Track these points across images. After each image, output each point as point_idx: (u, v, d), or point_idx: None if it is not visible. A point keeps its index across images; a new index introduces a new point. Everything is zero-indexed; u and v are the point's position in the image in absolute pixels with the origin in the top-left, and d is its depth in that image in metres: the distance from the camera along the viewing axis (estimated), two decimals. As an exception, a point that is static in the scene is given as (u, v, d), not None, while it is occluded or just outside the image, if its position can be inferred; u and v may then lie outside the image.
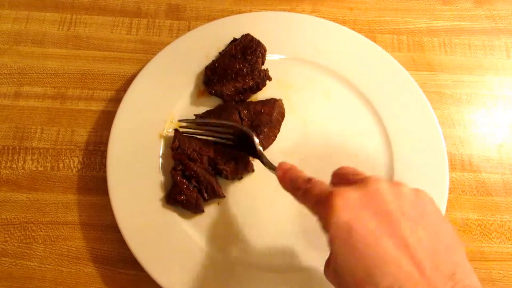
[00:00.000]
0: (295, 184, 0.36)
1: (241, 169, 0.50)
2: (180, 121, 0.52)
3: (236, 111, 0.52)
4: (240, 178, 0.51)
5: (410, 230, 0.29)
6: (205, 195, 0.48)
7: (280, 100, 0.54)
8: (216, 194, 0.48)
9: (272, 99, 0.54)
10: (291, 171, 0.38)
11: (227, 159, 0.49)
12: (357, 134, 0.54)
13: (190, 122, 0.51)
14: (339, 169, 0.37)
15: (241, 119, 0.52)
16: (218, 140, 0.50)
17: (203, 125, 0.51)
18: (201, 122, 0.52)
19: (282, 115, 0.54)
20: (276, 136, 0.53)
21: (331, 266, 0.31)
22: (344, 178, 0.35)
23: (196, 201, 0.47)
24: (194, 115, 0.53)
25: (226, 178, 0.50)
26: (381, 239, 0.28)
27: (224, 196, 0.49)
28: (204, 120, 0.52)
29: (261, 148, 0.47)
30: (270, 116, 0.52)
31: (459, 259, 0.29)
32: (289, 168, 0.38)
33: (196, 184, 0.48)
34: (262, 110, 0.52)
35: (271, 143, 0.52)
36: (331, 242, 0.30)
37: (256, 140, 0.47)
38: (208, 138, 0.50)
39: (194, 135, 0.51)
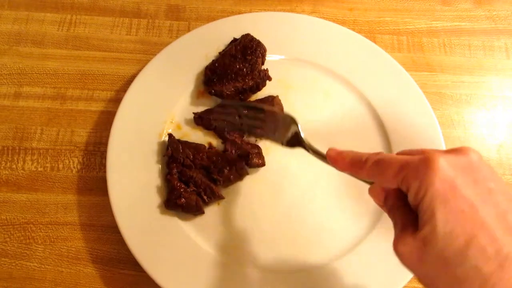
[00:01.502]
0: (359, 157, 0.33)
1: (235, 178, 0.49)
2: (224, 102, 0.52)
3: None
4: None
5: (507, 203, 0.27)
6: (205, 197, 0.48)
7: (277, 96, 0.54)
8: (215, 196, 0.48)
9: (269, 96, 0.54)
10: (346, 151, 0.35)
11: (220, 168, 0.49)
12: (357, 135, 0.54)
13: (231, 104, 0.50)
14: (405, 150, 0.34)
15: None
16: (254, 129, 0.48)
17: (245, 107, 0.49)
18: (243, 104, 0.51)
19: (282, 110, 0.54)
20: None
21: (419, 234, 0.28)
22: (416, 153, 0.32)
23: (197, 203, 0.47)
24: (193, 113, 0.53)
25: (220, 185, 0.49)
26: (484, 206, 0.27)
27: (223, 198, 0.49)
28: (246, 103, 0.51)
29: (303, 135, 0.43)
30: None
31: None
32: (342, 151, 0.36)
33: (194, 188, 0.48)
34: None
35: None
36: (432, 203, 0.27)
37: (300, 127, 0.43)
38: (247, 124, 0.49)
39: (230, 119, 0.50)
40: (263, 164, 0.51)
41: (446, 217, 0.27)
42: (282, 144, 0.44)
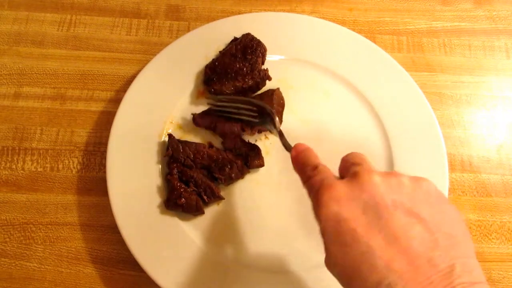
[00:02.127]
0: (303, 169, 0.35)
1: (236, 176, 0.49)
2: (208, 100, 0.53)
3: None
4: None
5: (404, 223, 0.27)
6: (205, 197, 0.48)
7: (278, 89, 0.54)
8: (215, 196, 0.48)
9: (269, 90, 0.54)
10: (304, 153, 0.37)
11: (221, 167, 0.49)
12: (357, 135, 0.54)
13: (220, 100, 0.52)
14: (346, 155, 0.35)
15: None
16: (243, 117, 0.50)
17: (229, 101, 0.52)
18: (227, 98, 0.52)
19: (282, 105, 0.54)
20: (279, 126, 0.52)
21: (325, 259, 0.30)
22: (345, 165, 0.34)
23: (197, 204, 0.47)
24: (192, 114, 0.53)
25: (221, 183, 0.49)
26: (370, 233, 0.27)
27: (223, 198, 0.49)
28: (230, 97, 0.53)
29: (279, 126, 0.47)
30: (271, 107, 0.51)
31: (460, 252, 0.27)
32: (303, 150, 0.37)
33: (194, 188, 0.48)
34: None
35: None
36: (323, 236, 0.30)
37: (276, 118, 0.47)
38: (233, 116, 0.51)
39: (221, 111, 0.51)
40: (262, 165, 0.51)
41: (334, 250, 0.28)
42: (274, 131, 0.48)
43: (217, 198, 0.48)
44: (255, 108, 0.50)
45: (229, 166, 0.49)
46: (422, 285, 0.25)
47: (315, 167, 0.34)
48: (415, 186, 0.30)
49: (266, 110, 0.49)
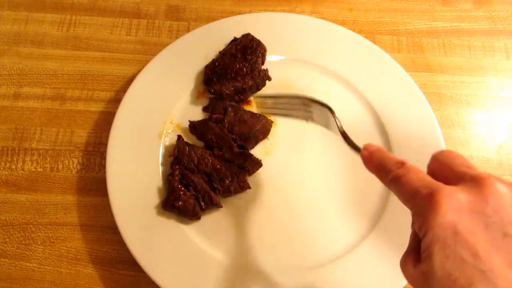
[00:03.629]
0: (384, 166, 0.32)
1: (235, 190, 0.49)
2: (256, 97, 0.52)
3: (223, 110, 0.52)
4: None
5: None
6: (202, 204, 0.48)
7: (271, 121, 0.53)
8: (213, 204, 0.48)
9: (263, 117, 0.52)
10: (378, 152, 0.34)
11: (221, 178, 0.49)
12: (357, 135, 0.53)
13: (267, 97, 0.51)
14: (441, 153, 0.32)
15: (224, 119, 0.51)
16: (294, 113, 0.49)
17: (280, 97, 0.50)
18: (278, 95, 0.51)
19: (264, 134, 0.53)
20: (249, 150, 0.52)
21: (420, 267, 0.28)
22: (447, 168, 0.30)
23: (194, 208, 0.47)
24: (189, 121, 0.52)
25: (219, 194, 0.49)
26: (492, 252, 0.25)
27: (221, 206, 0.49)
28: (282, 94, 0.52)
29: (342, 126, 0.43)
30: (249, 129, 0.51)
31: None
32: (376, 150, 0.34)
33: (194, 192, 0.48)
34: (247, 121, 0.51)
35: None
36: (430, 245, 0.26)
37: (337, 117, 0.44)
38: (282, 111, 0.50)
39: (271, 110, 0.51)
40: (259, 166, 0.50)
41: (443, 263, 0.26)
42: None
43: (215, 206, 0.48)
44: (309, 105, 0.46)
45: (229, 179, 0.49)
46: None
47: (401, 163, 0.31)
48: (507, 200, 0.27)
49: (326, 107, 0.45)
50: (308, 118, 0.48)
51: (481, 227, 0.26)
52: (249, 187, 0.49)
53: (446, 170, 0.30)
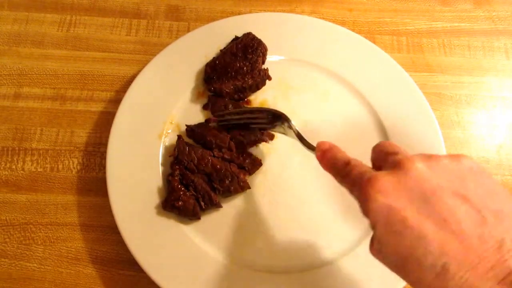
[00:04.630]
0: (335, 166, 0.36)
1: (235, 190, 0.49)
2: (216, 115, 0.53)
3: (224, 106, 0.53)
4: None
5: (451, 206, 0.28)
6: (202, 204, 0.48)
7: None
8: (213, 204, 0.48)
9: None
10: (330, 151, 0.38)
11: (221, 178, 0.49)
12: (356, 135, 0.54)
13: (226, 114, 0.52)
14: (377, 145, 0.36)
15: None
16: (256, 125, 0.51)
17: (238, 113, 0.52)
18: (236, 111, 0.52)
19: (256, 167, 0.52)
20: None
21: (375, 246, 0.31)
22: (381, 155, 0.34)
23: (194, 208, 0.47)
24: (186, 125, 0.52)
25: (219, 194, 0.49)
26: (420, 220, 0.28)
27: (221, 206, 0.49)
28: (239, 109, 0.53)
29: (297, 129, 0.47)
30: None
31: (509, 226, 0.28)
32: (328, 149, 0.38)
33: (194, 192, 0.48)
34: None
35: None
36: (373, 227, 0.30)
37: (293, 122, 0.47)
38: (245, 121, 0.51)
39: (231, 123, 0.52)
40: (259, 165, 0.51)
41: (386, 239, 0.29)
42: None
43: (215, 206, 0.48)
44: (266, 115, 0.50)
45: (229, 179, 0.49)
46: (474, 263, 0.27)
47: (347, 163, 0.35)
48: (457, 165, 0.31)
49: (279, 114, 0.49)
50: (269, 128, 0.51)
51: (407, 201, 0.29)
52: (249, 187, 0.49)
53: (379, 159, 0.34)
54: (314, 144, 0.41)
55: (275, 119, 0.49)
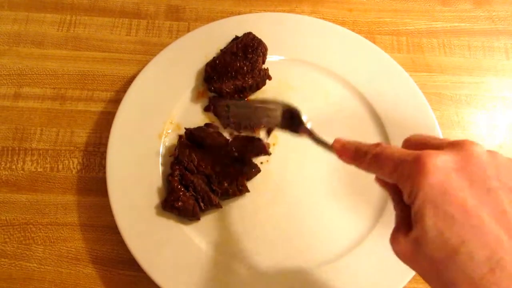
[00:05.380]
0: (360, 151, 0.33)
1: (233, 192, 0.48)
2: (228, 102, 0.51)
3: (226, 107, 0.52)
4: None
5: (510, 202, 0.26)
6: (202, 204, 0.48)
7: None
8: (213, 205, 0.48)
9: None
10: (350, 142, 0.35)
11: (220, 180, 0.49)
12: (356, 135, 0.53)
13: (235, 104, 0.51)
14: (412, 136, 0.33)
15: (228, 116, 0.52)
16: (265, 120, 0.48)
17: (249, 106, 0.50)
18: (246, 103, 0.51)
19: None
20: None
21: (411, 235, 0.28)
22: (422, 145, 0.31)
23: (193, 209, 0.47)
24: (185, 128, 0.52)
25: (217, 196, 0.49)
26: (480, 208, 0.26)
27: (220, 207, 0.49)
28: (250, 101, 0.51)
29: (309, 126, 0.43)
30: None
31: None
32: (348, 141, 0.35)
33: (193, 193, 0.48)
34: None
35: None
36: (421, 206, 0.27)
37: (305, 117, 0.44)
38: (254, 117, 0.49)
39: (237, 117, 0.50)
40: (257, 172, 0.50)
41: (435, 222, 0.26)
42: (283, 128, 0.46)
43: (214, 206, 0.48)
44: (277, 108, 0.46)
45: (228, 182, 0.48)
46: None
47: (377, 144, 0.32)
48: (486, 158, 0.28)
49: (292, 110, 0.45)
50: (274, 124, 0.47)
51: (466, 184, 0.27)
52: (247, 191, 0.49)
53: (421, 146, 0.31)
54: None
55: (286, 116, 0.46)
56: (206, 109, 0.54)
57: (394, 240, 0.30)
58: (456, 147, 0.29)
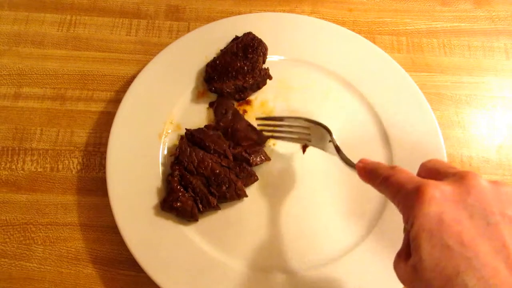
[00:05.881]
0: (376, 172, 0.34)
1: (231, 196, 0.48)
2: (257, 119, 0.52)
3: (224, 110, 0.54)
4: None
5: (510, 235, 0.26)
6: (200, 206, 0.48)
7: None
8: (211, 206, 0.48)
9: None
10: (372, 163, 0.36)
11: (219, 183, 0.48)
12: (356, 135, 0.54)
13: (267, 119, 0.52)
14: (429, 161, 0.34)
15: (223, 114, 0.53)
16: (293, 136, 0.50)
17: (279, 120, 0.51)
18: (278, 118, 0.52)
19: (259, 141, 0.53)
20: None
21: (410, 261, 0.28)
22: (434, 172, 0.32)
23: (192, 210, 0.47)
24: (186, 129, 0.52)
25: (215, 198, 0.48)
26: (477, 240, 0.26)
27: (219, 208, 0.49)
28: (281, 116, 0.52)
29: (337, 144, 0.45)
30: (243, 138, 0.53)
31: None
32: (371, 162, 0.36)
33: (192, 194, 0.48)
34: (242, 130, 0.52)
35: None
36: (417, 235, 0.27)
37: (333, 136, 0.46)
38: (284, 135, 0.51)
39: (272, 132, 0.52)
40: (255, 179, 0.50)
41: (431, 251, 0.26)
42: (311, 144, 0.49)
43: (212, 208, 0.48)
44: (306, 125, 0.49)
45: (227, 186, 0.48)
46: None
47: (392, 167, 0.33)
48: (488, 192, 0.28)
49: (322, 128, 0.47)
50: (306, 140, 0.50)
51: (465, 216, 0.27)
52: (245, 195, 0.49)
53: (433, 172, 0.32)
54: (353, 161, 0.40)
55: (316, 132, 0.48)
56: (211, 105, 0.55)
57: (396, 264, 0.31)
58: (459, 179, 0.29)
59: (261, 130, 0.52)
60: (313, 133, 0.49)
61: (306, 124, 0.49)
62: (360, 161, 0.37)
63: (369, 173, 0.35)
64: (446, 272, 0.26)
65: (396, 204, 0.31)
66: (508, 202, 0.28)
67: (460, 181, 0.29)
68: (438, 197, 0.28)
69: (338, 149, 0.44)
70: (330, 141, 0.46)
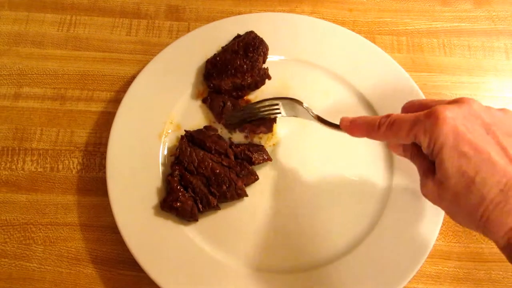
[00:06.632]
0: (372, 123, 0.39)
1: (231, 196, 0.48)
2: (228, 116, 0.53)
3: (222, 103, 0.54)
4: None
5: (507, 142, 0.33)
6: (200, 206, 0.48)
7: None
8: (211, 207, 0.48)
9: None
10: (359, 117, 0.41)
11: (219, 183, 0.48)
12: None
13: (237, 113, 0.53)
14: (411, 101, 0.41)
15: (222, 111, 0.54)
16: (268, 115, 0.51)
17: (250, 109, 0.52)
18: (247, 107, 0.53)
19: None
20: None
21: (436, 178, 0.35)
22: (423, 105, 0.38)
23: (192, 210, 0.47)
24: (185, 130, 0.52)
25: (215, 198, 0.48)
26: (487, 145, 0.33)
27: (219, 208, 0.49)
28: (249, 105, 0.53)
29: (313, 111, 0.47)
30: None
31: None
32: (355, 117, 0.41)
33: (192, 194, 0.48)
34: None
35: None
36: (440, 151, 0.34)
37: (305, 105, 0.48)
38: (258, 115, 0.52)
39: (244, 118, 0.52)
40: (255, 178, 0.50)
41: (453, 161, 0.33)
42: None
43: (213, 208, 0.48)
44: (277, 102, 0.50)
45: (227, 185, 0.48)
46: None
47: (387, 115, 0.38)
48: (505, 115, 0.36)
49: (293, 101, 0.49)
50: (277, 113, 0.51)
51: (471, 128, 0.34)
52: (246, 195, 0.49)
53: (423, 107, 0.37)
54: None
55: (286, 105, 0.50)
56: (204, 101, 0.55)
57: (423, 186, 0.37)
58: (460, 102, 0.35)
59: (241, 120, 0.53)
60: (283, 106, 0.50)
61: (275, 102, 0.50)
62: (342, 120, 0.42)
63: (363, 125, 0.40)
64: (467, 174, 0.32)
65: (411, 138, 0.36)
66: (497, 118, 0.35)
67: (461, 103, 0.35)
68: (450, 116, 0.34)
69: (316, 116, 0.47)
70: (304, 108, 0.47)
